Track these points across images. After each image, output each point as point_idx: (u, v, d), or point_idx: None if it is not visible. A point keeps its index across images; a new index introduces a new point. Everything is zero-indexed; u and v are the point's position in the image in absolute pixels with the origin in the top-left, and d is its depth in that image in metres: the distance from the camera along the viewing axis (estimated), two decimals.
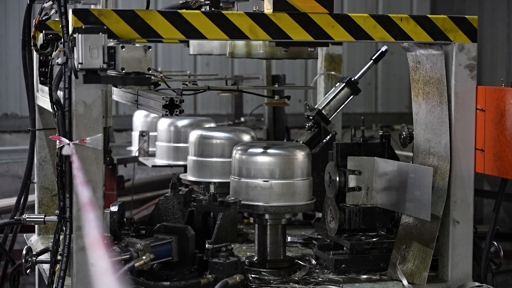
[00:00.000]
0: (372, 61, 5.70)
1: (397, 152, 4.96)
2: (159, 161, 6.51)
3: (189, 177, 5.46)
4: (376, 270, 4.69)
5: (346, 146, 4.83)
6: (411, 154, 4.84)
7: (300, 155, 4.65)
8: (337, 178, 4.77)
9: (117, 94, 5.16)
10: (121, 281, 4.04)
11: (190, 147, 5.47)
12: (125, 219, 4.46)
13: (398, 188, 4.60)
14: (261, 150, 4.62)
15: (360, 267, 4.68)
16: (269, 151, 4.62)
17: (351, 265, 4.67)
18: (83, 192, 3.73)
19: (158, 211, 4.63)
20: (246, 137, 5.36)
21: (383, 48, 5.62)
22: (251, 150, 4.65)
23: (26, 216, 4.67)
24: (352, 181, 4.75)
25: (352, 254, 4.68)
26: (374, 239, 4.76)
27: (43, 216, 4.59)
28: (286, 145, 4.75)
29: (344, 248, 4.75)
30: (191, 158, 5.44)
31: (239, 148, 4.71)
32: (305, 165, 4.67)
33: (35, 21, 4.51)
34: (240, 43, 4.82)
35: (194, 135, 5.39)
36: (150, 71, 3.99)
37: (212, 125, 6.29)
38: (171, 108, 4.18)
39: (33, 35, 4.53)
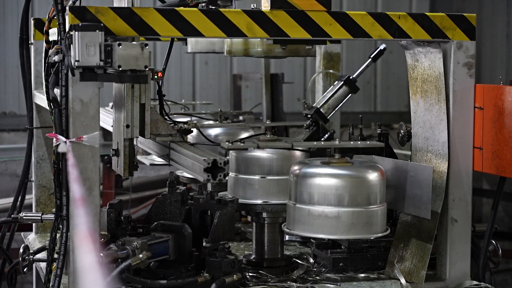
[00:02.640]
0: (370, 59, 5.68)
1: (395, 150, 4.95)
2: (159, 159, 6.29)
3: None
4: (374, 268, 4.67)
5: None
6: (409, 152, 4.83)
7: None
8: None
9: (143, 143, 4.73)
10: (118, 279, 4.03)
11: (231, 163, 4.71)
12: (122, 218, 4.45)
13: (397, 187, 4.59)
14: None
15: (358, 266, 4.67)
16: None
17: (349, 264, 4.66)
18: (75, 188, 3.71)
19: (155, 209, 4.62)
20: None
21: (382, 47, 5.61)
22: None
23: (24, 214, 4.66)
24: None
25: (350, 253, 4.67)
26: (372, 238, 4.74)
27: (41, 214, 4.58)
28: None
29: (342, 246, 4.73)
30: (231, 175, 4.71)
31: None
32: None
33: (48, 14, 4.42)
34: (238, 41, 4.80)
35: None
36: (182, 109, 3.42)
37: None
38: (214, 172, 3.75)
39: (46, 30, 4.44)
